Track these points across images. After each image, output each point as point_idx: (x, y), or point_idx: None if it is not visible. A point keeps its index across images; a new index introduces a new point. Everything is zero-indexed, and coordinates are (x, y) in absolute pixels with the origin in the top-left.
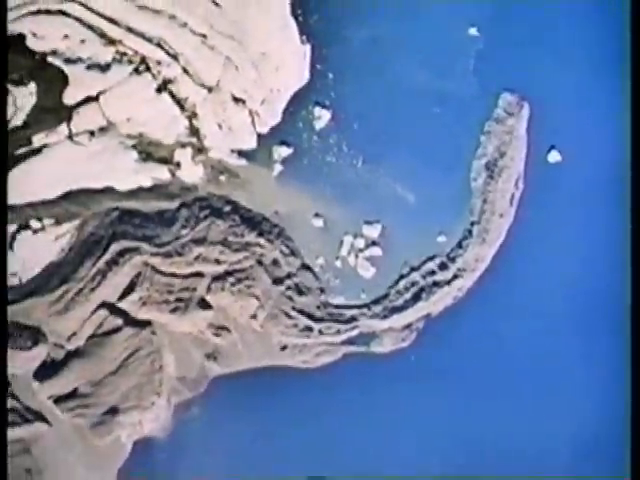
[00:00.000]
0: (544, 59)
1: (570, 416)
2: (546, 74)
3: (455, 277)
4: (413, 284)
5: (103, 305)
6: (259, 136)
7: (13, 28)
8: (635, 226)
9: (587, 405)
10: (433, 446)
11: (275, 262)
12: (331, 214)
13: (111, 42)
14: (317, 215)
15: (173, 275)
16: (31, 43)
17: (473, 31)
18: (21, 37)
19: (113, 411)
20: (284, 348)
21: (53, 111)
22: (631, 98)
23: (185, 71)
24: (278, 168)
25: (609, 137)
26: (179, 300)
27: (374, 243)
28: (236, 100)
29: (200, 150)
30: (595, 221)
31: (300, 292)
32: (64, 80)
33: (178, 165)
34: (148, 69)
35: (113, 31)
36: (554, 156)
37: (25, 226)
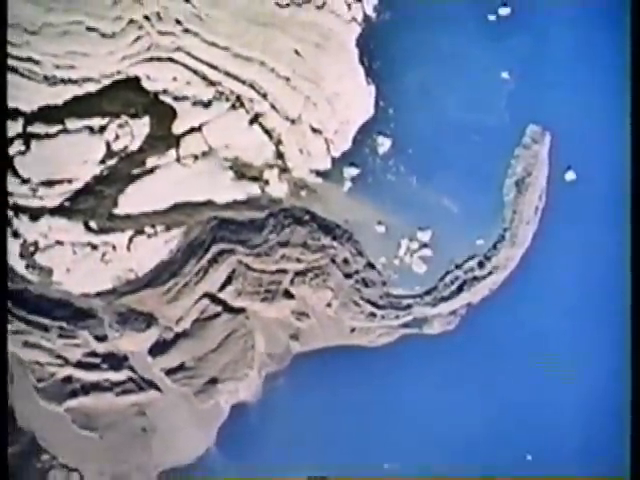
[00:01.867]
0: (563, 97)
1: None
2: (564, 110)
3: (490, 273)
4: (457, 278)
5: (205, 295)
6: (333, 159)
7: (130, 71)
8: (635, 230)
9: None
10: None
11: (345, 261)
12: (391, 222)
13: (212, 83)
14: (380, 223)
15: (262, 271)
16: (146, 84)
17: (505, 75)
18: (137, 79)
19: (213, 381)
20: (353, 330)
21: (163, 139)
22: (631, 128)
23: (272, 107)
24: (348, 185)
25: (615, 160)
26: (267, 291)
27: (426, 245)
28: (314, 130)
29: (284, 170)
30: (603, 227)
31: (366, 285)
32: (173, 114)
33: (267, 182)
34: (242, 105)
35: (213, 75)
36: (570, 175)
37: (140, 231)
